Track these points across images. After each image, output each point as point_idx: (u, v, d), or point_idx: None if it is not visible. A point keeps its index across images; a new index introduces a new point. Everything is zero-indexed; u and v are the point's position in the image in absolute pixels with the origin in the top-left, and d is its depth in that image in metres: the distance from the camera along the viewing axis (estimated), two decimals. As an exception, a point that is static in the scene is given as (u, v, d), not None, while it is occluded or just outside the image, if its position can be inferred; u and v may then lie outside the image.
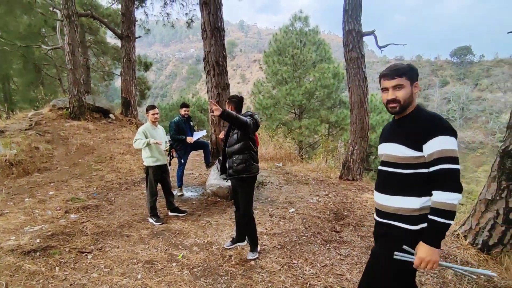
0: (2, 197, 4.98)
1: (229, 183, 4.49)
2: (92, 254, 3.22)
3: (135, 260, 3.10)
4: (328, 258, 3.15)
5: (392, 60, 78.79)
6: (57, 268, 2.91)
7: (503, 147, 3.16)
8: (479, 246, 3.29)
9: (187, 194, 5.62)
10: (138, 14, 13.31)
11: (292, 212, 4.51)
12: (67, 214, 4.33)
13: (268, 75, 15.31)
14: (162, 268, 2.95)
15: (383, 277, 1.57)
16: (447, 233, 3.65)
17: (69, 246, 3.36)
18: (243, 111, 3.16)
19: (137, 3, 13.00)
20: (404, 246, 1.47)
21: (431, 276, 2.83)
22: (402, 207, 1.51)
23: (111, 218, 4.31)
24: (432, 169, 1.43)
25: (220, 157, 3.20)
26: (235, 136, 2.91)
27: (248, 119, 2.78)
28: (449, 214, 1.36)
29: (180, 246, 3.46)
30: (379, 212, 1.65)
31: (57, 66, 17.65)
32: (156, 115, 4.27)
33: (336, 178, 6.72)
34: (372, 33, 6.65)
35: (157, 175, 4.25)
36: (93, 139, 8.53)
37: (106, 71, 18.84)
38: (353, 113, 6.64)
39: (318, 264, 3.03)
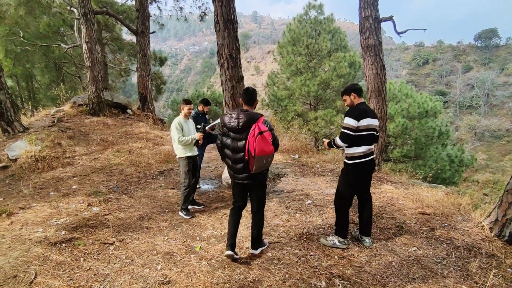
0: (29, 191, 5.22)
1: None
2: (114, 245, 3.33)
3: (155, 252, 3.18)
4: (346, 250, 3.11)
5: (411, 47, 75.58)
6: (81, 259, 3.03)
7: (533, 135, 2.99)
8: (505, 238, 3.15)
9: (204, 187, 5.69)
10: (152, 9, 13.45)
11: (309, 204, 4.47)
12: (89, 207, 4.49)
13: (283, 66, 15.10)
14: (181, 259, 3.02)
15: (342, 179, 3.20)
16: (471, 224, 3.53)
17: (93, 238, 3.49)
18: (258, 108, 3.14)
19: (151, -2, 13.09)
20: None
21: (454, 269, 2.74)
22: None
23: (131, 210, 4.43)
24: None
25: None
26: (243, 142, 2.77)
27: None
28: None
29: (198, 238, 3.52)
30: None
31: (76, 64, 18.19)
32: (191, 110, 4.43)
33: (353, 169, 6.59)
34: (390, 18, 6.40)
35: (189, 165, 4.32)
36: (112, 134, 8.76)
37: (122, 67, 19.23)
38: (370, 103, 6.46)
39: (336, 256, 3.00)
